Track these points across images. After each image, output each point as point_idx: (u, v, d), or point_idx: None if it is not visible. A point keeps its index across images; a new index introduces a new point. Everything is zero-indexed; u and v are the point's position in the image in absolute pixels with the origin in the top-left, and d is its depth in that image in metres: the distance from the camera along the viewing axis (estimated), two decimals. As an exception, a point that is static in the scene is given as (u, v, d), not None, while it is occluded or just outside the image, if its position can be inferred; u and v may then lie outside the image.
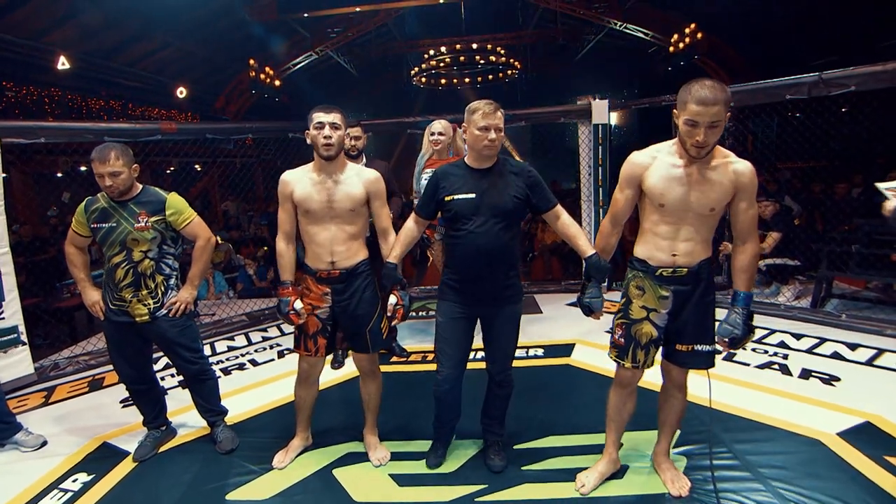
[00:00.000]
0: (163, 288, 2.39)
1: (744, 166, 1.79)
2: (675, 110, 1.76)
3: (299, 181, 2.18)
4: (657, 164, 1.85)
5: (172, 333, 2.40)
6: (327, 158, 2.12)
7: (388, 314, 2.21)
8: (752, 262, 1.86)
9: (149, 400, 2.57)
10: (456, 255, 2.11)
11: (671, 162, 1.83)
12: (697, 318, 1.93)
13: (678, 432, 2.39)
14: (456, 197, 2.04)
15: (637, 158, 1.89)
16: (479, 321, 2.20)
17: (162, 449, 2.58)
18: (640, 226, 1.97)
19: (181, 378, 3.43)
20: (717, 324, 1.94)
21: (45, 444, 2.69)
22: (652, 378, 2.72)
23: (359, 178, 2.20)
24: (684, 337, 1.94)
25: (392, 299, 2.19)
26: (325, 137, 2.09)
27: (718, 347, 1.95)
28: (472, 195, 2.02)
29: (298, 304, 2.21)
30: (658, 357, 2.04)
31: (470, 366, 2.30)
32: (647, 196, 1.88)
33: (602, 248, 2.04)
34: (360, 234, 2.25)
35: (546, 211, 2.11)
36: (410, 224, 2.21)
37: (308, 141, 2.16)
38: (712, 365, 1.97)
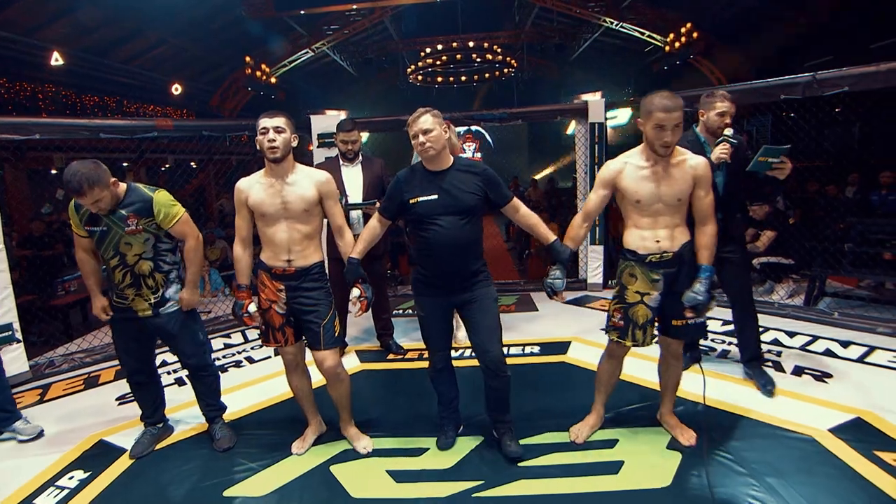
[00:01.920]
0: (163, 282, 2.41)
1: (697, 161, 2.12)
2: (639, 120, 2.09)
3: (252, 187, 2.26)
4: (628, 168, 2.15)
5: (173, 327, 2.43)
6: (274, 161, 2.20)
7: (351, 306, 2.28)
8: (711, 240, 2.16)
9: (148, 393, 2.59)
10: (425, 253, 2.23)
11: (640, 164, 2.14)
12: None
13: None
14: (420, 199, 2.18)
15: (612, 165, 2.20)
16: (457, 314, 2.29)
17: (159, 446, 2.59)
18: (625, 222, 2.25)
19: (177, 376, 3.45)
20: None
21: (41, 433, 2.73)
22: (646, 375, 2.74)
23: (310, 180, 2.27)
24: (679, 314, 2.20)
25: (355, 292, 2.29)
26: (269, 141, 2.17)
27: (698, 319, 2.19)
28: (435, 196, 2.16)
29: (252, 308, 2.32)
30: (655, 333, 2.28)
31: (467, 364, 2.31)
32: (624, 196, 2.17)
33: (572, 237, 2.29)
34: (315, 234, 2.32)
35: (504, 205, 2.26)
36: (374, 223, 2.34)
37: (257, 147, 2.24)
38: (705, 335, 2.35)
